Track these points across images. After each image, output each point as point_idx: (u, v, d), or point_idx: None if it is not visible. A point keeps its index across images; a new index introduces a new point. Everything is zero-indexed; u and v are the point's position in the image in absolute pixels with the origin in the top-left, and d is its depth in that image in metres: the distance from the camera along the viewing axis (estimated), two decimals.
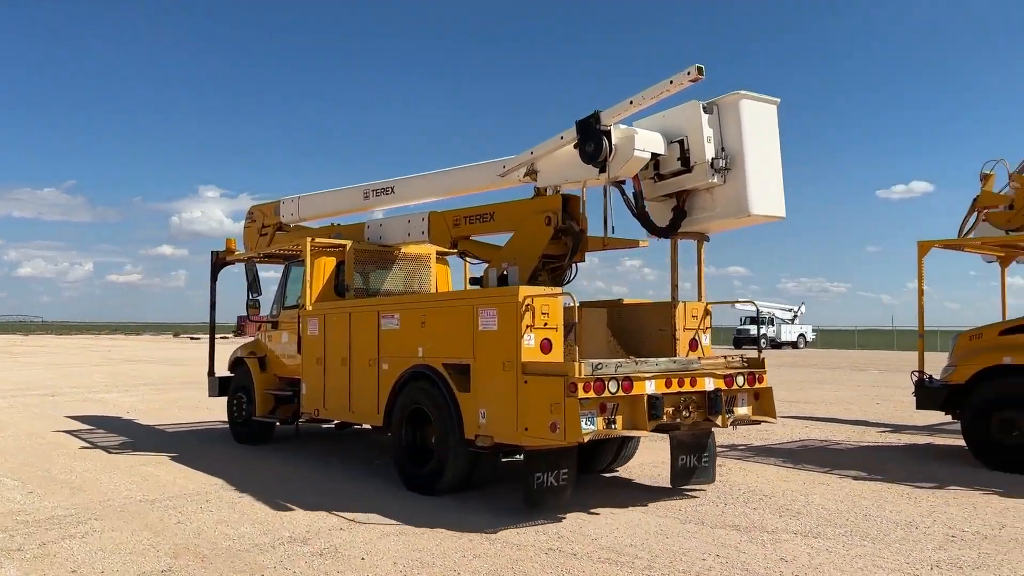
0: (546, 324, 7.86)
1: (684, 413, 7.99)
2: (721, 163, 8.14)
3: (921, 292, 11.95)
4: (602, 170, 8.32)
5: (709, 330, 9.30)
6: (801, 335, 63.46)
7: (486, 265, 9.68)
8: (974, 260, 14.64)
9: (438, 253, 12.25)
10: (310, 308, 10.90)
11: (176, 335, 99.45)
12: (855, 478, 9.96)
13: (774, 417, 8.68)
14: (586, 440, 7.20)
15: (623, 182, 8.62)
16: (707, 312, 9.25)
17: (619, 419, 7.55)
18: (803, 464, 10.93)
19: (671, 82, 7.61)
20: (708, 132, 8.19)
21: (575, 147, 8.45)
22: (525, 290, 7.78)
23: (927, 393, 11.45)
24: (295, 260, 12.10)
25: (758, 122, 8.31)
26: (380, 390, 9.48)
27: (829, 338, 70.55)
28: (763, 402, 8.72)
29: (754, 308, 8.95)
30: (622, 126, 8.33)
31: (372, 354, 9.64)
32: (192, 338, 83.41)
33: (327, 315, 10.55)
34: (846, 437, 13.51)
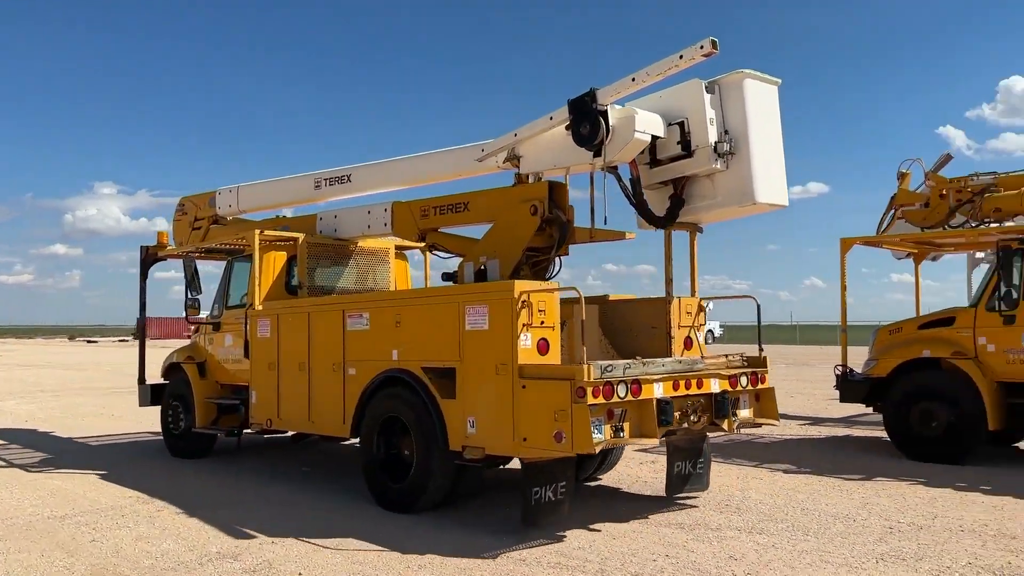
0: (543, 322, 7.13)
1: (692, 418, 7.36)
2: (725, 147, 7.55)
3: (844, 288, 12.30)
4: (597, 154, 7.61)
5: (703, 327, 8.71)
6: (709, 331, 64.48)
7: (460, 259, 8.88)
8: (866, 258, 15.17)
9: (397, 248, 11.38)
10: (260, 308, 9.89)
11: (72, 338, 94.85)
12: (786, 471, 10.10)
13: (776, 419, 8.15)
14: (597, 451, 6.50)
15: (616, 168, 7.94)
16: (701, 308, 8.66)
17: (626, 426, 6.88)
18: (732, 458, 10.99)
19: (681, 57, 6.96)
20: (711, 114, 7.58)
21: (567, 129, 7.73)
22: (521, 284, 7.03)
23: (850, 387, 11.73)
24: (239, 255, 11.04)
25: (761, 104, 7.76)
26: (346, 397, 8.58)
27: (735, 334, 71.76)
28: (764, 403, 8.18)
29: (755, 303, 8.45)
30: (618, 106, 7.65)
31: (336, 358, 8.72)
32: (89, 341, 79.73)
33: (281, 315, 9.56)
34: (768, 431, 13.16)
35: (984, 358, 10.53)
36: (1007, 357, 10.37)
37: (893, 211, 12.77)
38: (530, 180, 8.53)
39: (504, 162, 8.65)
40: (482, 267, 8.38)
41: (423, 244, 9.80)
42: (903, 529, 7.30)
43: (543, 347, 7.08)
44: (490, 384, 7.09)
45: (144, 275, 12.42)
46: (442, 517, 7.68)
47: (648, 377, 7.00)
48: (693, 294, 8.64)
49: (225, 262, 11.33)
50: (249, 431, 10.25)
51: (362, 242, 10.94)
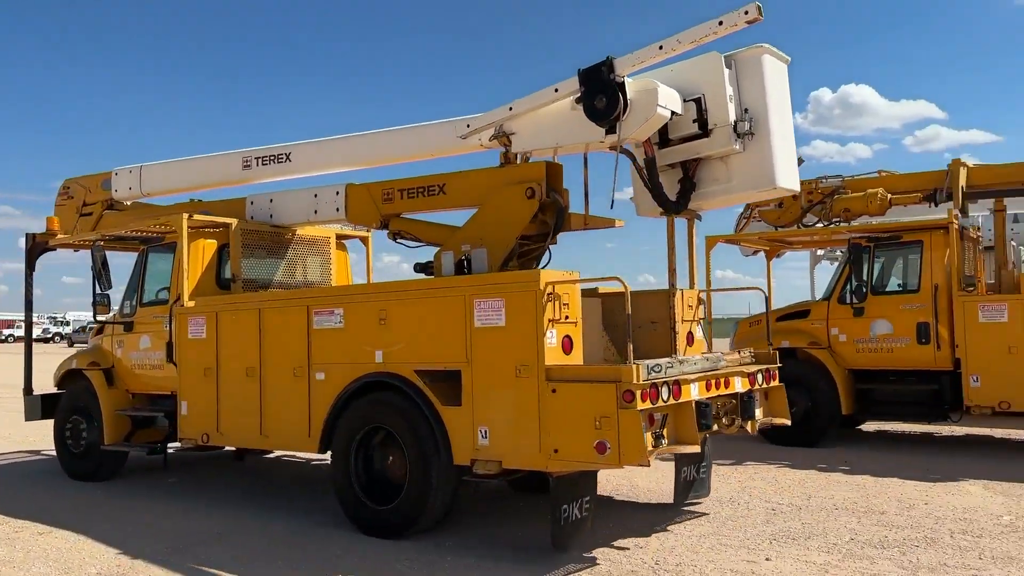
0: (567, 317, 6.32)
1: (724, 420, 6.74)
2: (745, 127, 6.95)
3: (709, 283, 12.34)
4: (610, 131, 6.86)
5: (702, 321, 8.13)
6: None
7: (436, 249, 7.92)
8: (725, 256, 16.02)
9: (337, 236, 10.23)
10: (191, 304, 8.53)
11: None
12: (663, 460, 9.52)
13: (788, 418, 7.67)
14: (651, 461, 5.74)
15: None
16: (700, 301, 8.07)
17: (665, 432, 6.17)
18: None
19: (720, 23, 6.30)
20: (730, 90, 6.98)
21: (576, 102, 6.93)
22: (547, 274, 6.19)
23: None
24: (156, 244, 9.55)
25: (777, 82, 7.23)
26: (313, 407, 7.43)
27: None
28: (774, 402, 7.69)
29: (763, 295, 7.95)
30: (630, 78, 6.91)
31: (299, 361, 7.55)
32: None
33: (221, 313, 8.25)
34: None
35: (837, 348, 11.38)
36: (857, 346, 11.25)
37: (750, 211, 13.41)
38: (519, 160, 7.69)
39: (490, 140, 7.74)
40: (465, 257, 7.46)
41: (387, 231, 8.68)
42: (784, 510, 7.69)
43: (567, 345, 6.28)
44: (509, 389, 6.21)
45: (31, 266, 10.64)
46: (439, 540, 6.73)
47: (686, 377, 6.33)
48: (691, 286, 8.05)
49: (139, 253, 9.78)
50: (175, 447, 8.85)
51: (301, 230, 9.73)
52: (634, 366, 5.72)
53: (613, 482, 8.91)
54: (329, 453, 7.36)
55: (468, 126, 7.73)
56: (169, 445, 9.07)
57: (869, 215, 12.19)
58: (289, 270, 9.59)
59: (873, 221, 12.15)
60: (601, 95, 6.74)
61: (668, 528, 7.08)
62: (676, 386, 6.15)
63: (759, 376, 7.33)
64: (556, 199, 7.41)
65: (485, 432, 6.35)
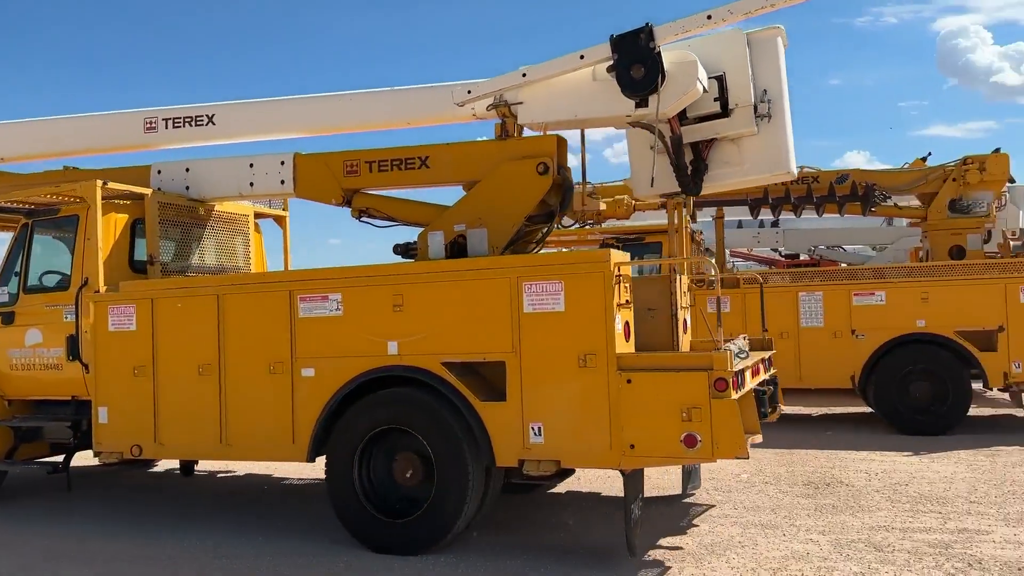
0: (628, 301, 5.85)
1: (767, 408, 6.54)
2: (765, 108, 6.80)
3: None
4: (641, 104, 6.44)
5: (692, 307, 7.92)
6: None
7: (420, 230, 7.11)
8: None
9: (256, 215, 8.97)
10: (109, 290, 7.08)
11: None
12: None
13: (783, 405, 7.62)
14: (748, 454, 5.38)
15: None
16: (691, 287, 7.85)
17: None
18: None
19: None
20: (750, 70, 6.80)
21: (609, 70, 6.42)
22: (615, 255, 5.67)
23: None
24: (44, 217, 7.83)
25: (785, 65, 7.17)
26: (298, 408, 6.36)
27: None
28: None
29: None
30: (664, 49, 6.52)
31: (278, 355, 6.44)
32: None
33: (159, 300, 6.88)
34: None
35: None
36: None
37: None
38: (516, 134, 7.05)
39: (488, 110, 7.04)
40: (460, 238, 6.75)
41: (350, 208, 7.65)
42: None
43: (627, 331, 5.80)
44: (571, 380, 5.61)
45: None
46: (463, 553, 5.99)
47: (745, 365, 6.05)
48: (683, 271, 7.81)
49: (20, 227, 7.96)
50: (105, 461, 7.31)
51: (219, 206, 8.42)
52: (727, 353, 5.35)
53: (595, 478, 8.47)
54: (321, 462, 6.35)
55: (469, 92, 6.96)
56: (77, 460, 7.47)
57: (616, 219, 12.63)
58: (206, 252, 8.26)
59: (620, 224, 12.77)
60: (639, 64, 6.29)
61: (696, 523, 6.74)
62: (744, 374, 5.86)
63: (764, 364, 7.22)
64: (566, 176, 6.90)
65: (538, 429, 5.71)
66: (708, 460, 5.40)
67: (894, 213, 13.79)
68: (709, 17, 6.22)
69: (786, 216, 13.93)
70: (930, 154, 13.15)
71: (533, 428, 5.72)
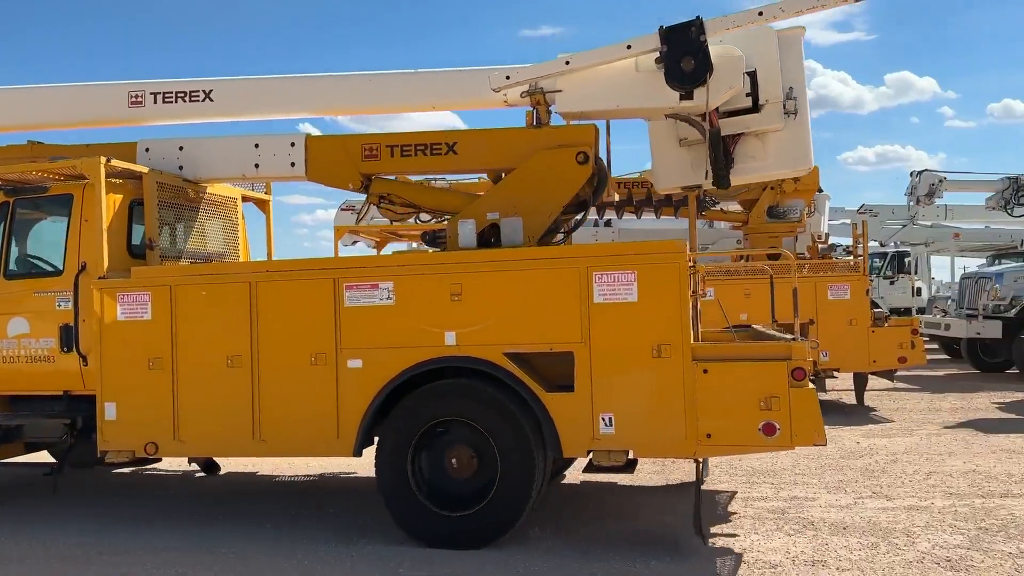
0: (693, 291, 5.91)
1: None
2: (792, 105, 7.01)
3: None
4: (686, 97, 6.51)
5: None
6: None
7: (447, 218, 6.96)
8: None
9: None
10: (123, 277, 6.56)
11: None
12: None
13: None
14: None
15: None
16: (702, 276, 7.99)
17: None
18: None
19: None
20: (779, 67, 6.99)
21: (657, 61, 6.44)
22: (685, 245, 5.73)
23: None
24: (30, 194, 7.12)
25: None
26: (343, 401, 6.09)
27: None
28: None
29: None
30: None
31: (321, 346, 6.13)
32: None
33: (179, 287, 6.41)
34: None
35: None
36: None
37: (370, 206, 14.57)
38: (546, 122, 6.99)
39: (521, 96, 6.93)
40: (490, 227, 6.65)
41: (367, 193, 7.35)
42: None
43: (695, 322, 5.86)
44: (644, 371, 5.63)
45: None
46: (525, 547, 5.90)
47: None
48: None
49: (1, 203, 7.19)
50: (122, 460, 6.77)
51: (210, 188, 7.92)
52: (805, 342, 5.50)
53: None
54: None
55: (508, 77, 6.81)
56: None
57: None
58: (198, 236, 7.76)
59: None
60: (690, 57, 6.35)
61: (732, 508, 6.89)
62: None
63: None
64: (601, 166, 6.90)
65: (609, 420, 5.69)
66: (786, 448, 5.53)
67: (720, 217, 14.78)
68: (760, 14, 6.34)
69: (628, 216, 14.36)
70: None
71: (603, 419, 5.70)
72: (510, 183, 6.82)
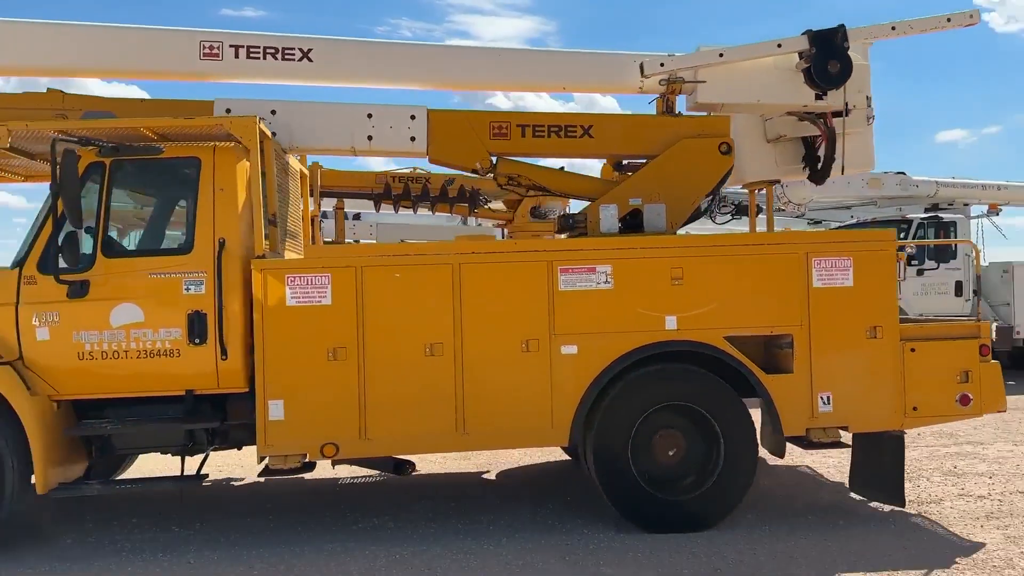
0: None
1: None
2: (872, 111, 7.82)
3: None
4: (820, 96, 7.04)
5: None
6: None
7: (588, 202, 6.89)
8: None
9: None
10: (295, 255, 5.71)
11: None
12: None
13: None
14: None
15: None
16: None
17: None
18: None
19: (948, 19, 7.08)
20: (869, 77, 7.75)
21: (806, 62, 6.88)
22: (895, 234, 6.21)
23: None
24: (133, 155, 5.83)
25: None
26: (557, 388, 5.82)
27: None
28: None
29: None
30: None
31: (533, 332, 5.80)
32: None
33: (367, 268, 5.70)
34: None
35: None
36: None
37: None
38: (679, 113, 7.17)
39: (661, 83, 7.04)
40: (632, 212, 6.76)
41: (495, 174, 6.95)
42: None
43: None
44: (860, 351, 6.04)
45: None
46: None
47: None
48: None
49: (96, 164, 5.79)
50: (285, 466, 5.77)
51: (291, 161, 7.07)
52: (992, 322, 6.21)
53: None
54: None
55: (662, 64, 6.88)
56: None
57: None
58: (292, 212, 6.90)
59: None
60: (835, 60, 6.87)
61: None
62: None
63: None
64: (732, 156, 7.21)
65: (827, 399, 6.02)
66: (975, 416, 6.21)
67: (489, 215, 15.91)
68: (893, 28, 7.04)
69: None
70: None
71: (822, 398, 6.01)
72: (653, 169, 6.90)
